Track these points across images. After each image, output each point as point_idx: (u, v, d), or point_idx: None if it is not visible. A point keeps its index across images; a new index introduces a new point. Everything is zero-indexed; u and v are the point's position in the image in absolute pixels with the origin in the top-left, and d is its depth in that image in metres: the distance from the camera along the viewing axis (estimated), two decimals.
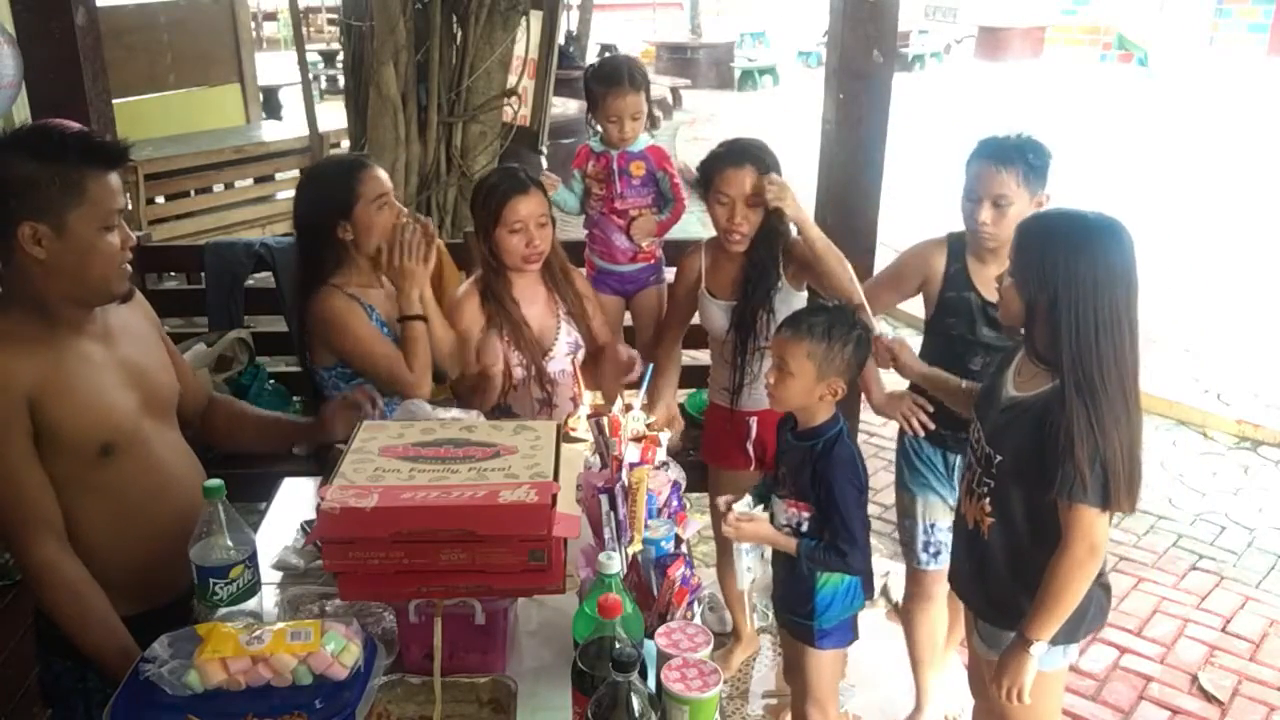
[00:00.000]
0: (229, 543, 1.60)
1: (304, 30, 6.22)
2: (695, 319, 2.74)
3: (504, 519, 1.43)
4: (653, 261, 3.01)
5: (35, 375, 1.60)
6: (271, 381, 3.15)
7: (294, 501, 2.16)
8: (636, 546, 1.69)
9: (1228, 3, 15.93)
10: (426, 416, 1.87)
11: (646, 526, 1.72)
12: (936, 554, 2.56)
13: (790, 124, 9.38)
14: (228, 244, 3.50)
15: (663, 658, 1.46)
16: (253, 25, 10.85)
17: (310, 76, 5.73)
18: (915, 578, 2.65)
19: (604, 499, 1.64)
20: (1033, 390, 1.82)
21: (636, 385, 2.16)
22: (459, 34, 4.35)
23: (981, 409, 1.96)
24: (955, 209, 2.30)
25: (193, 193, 6.12)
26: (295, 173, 6.16)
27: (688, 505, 1.96)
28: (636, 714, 1.25)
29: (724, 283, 2.59)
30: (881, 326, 2.33)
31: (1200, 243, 7.20)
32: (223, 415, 2.12)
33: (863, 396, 2.53)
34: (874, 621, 3.12)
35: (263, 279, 3.55)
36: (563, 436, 1.70)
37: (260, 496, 2.23)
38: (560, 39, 6.31)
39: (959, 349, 2.35)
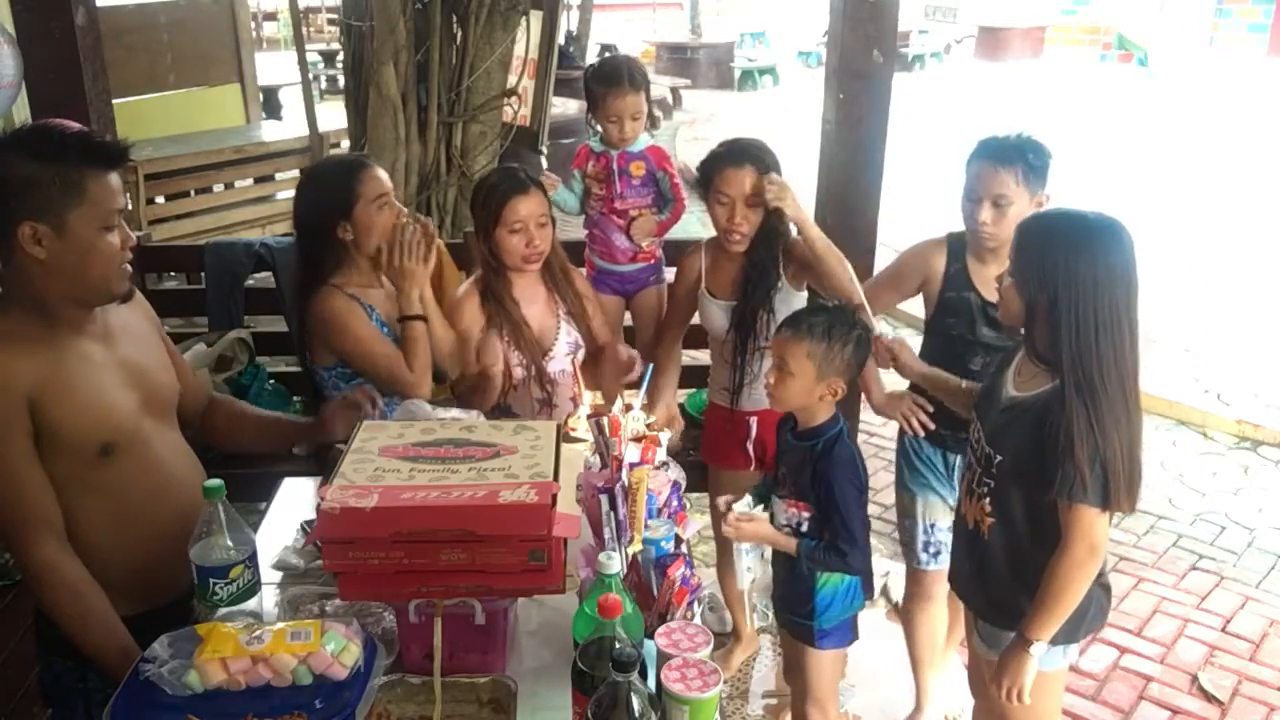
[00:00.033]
0: (229, 543, 1.60)
1: (304, 30, 6.22)
2: (695, 319, 2.75)
3: (504, 519, 1.43)
4: (652, 261, 3.01)
5: (35, 375, 1.60)
6: (271, 381, 3.15)
7: (294, 501, 2.16)
8: (636, 546, 1.69)
9: (1228, 3, 15.93)
10: (426, 416, 1.87)
11: (646, 526, 1.72)
12: (936, 554, 2.56)
13: (790, 124, 9.38)
14: (228, 244, 3.50)
15: (663, 658, 1.46)
16: (253, 25, 10.86)
17: (310, 76, 5.73)
18: (915, 578, 2.65)
19: (604, 499, 1.64)
20: (1033, 390, 1.83)
21: (636, 385, 2.16)
22: (459, 34, 4.35)
23: (981, 409, 1.96)
24: (955, 209, 2.30)
25: (193, 193, 6.12)
26: (295, 173, 6.16)
27: (688, 505, 1.96)
28: (636, 714, 1.25)
29: (724, 283, 2.59)
30: (881, 327, 2.33)
31: (1200, 243, 7.20)
32: (223, 415, 2.12)
33: (863, 396, 2.53)
34: (874, 621, 3.12)
35: (263, 279, 3.55)
36: (563, 436, 1.70)
37: (260, 496, 2.23)
38: (560, 39, 6.31)
39: (959, 349, 2.35)
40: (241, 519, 1.64)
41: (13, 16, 3.03)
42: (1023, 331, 1.86)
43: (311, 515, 1.90)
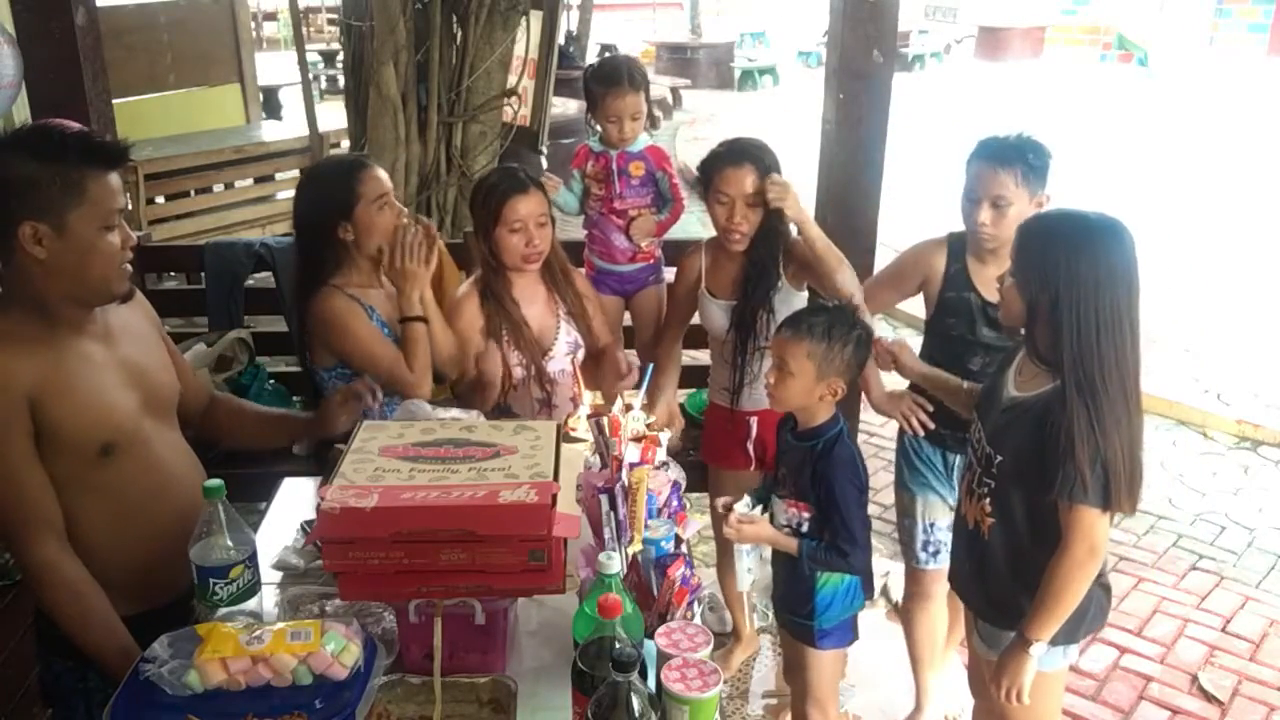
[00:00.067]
0: (229, 543, 1.60)
1: (304, 30, 6.22)
2: (695, 319, 2.75)
3: (504, 519, 1.43)
4: (652, 261, 3.01)
5: (35, 375, 1.60)
6: (271, 381, 3.15)
7: (294, 501, 2.16)
8: (636, 546, 1.69)
9: (1228, 3, 15.93)
10: (426, 416, 1.87)
11: (646, 526, 1.72)
12: (935, 553, 2.56)
13: (790, 124, 9.37)
14: (228, 244, 3.50)
15: (663, 658, 1.46)
16: (253, 25, 10.86)
17: (310, 76, 5.73)
18: (914, 577, 2.65)
19: (604, 499, 1.64)
20: (1033, 390, 1.82)
21: (636, 385, 2.16)
22: (459, 34, 4.35)
23: (982, 409, 1.96)
24: (955, 209, 2.30)
25: (193, 193, 6.12)
26: (295, 173, 6.16)
27: (688, 505, 1.96)
28: (636, 714, 1.25)
29: (724, 282, 2.59)
30: (881, 327, 2.33)
31: (1200, 243, 7.20)
32: (224, 412, 2.12)
33: (863, 396, 2.53)
34: (874, 621, 3.12)
35: (263, 279, 3.55)
36: (563, 436, 1.70)
37: (260, 496, 2.23)
38: (560, 39, 6.31)
39: (959, 349, 2.35)
40: (241, 519, 1.64)
41: (13, 16, 3.03)
42: (1023, 332, 1.86)
43: (311, 515, 1.91)
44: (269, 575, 1.81)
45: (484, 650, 1.58)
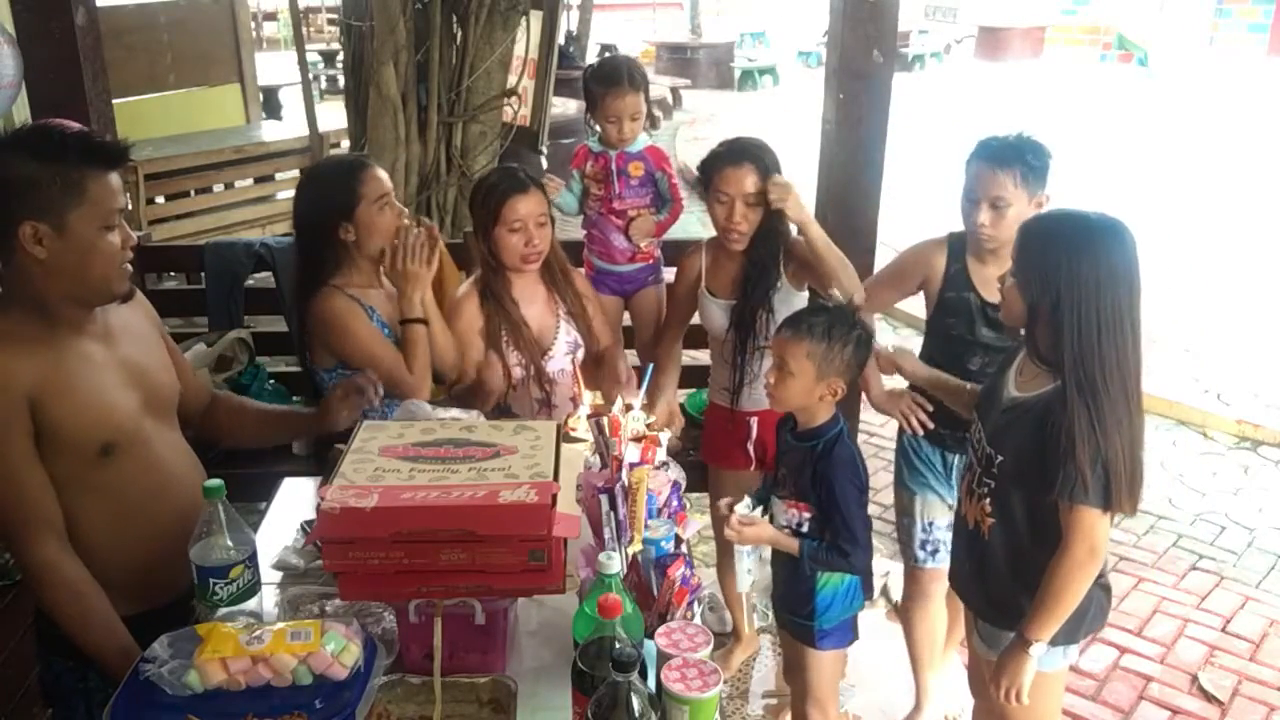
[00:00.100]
0: (229, 543, 1.60)
1: (304, 30, 6.22)
2: (695, 319, 2.74)
3: (504, 519, 1.43)
4: (651, 262, 3.01)
5: (36, 375, 1.60)
6: (271, 381, 3.16)
7: (294, 501, 2.16)
8: (636, 546, 1.69)
9: (1228, 3, 15.93)
10: (426, 416, 1.87)
11: (646, 526, 1.72)
12: (934, 552, 2.56)
13: (790, 124, 9.37)
14: (228, 244, 3.50)
15: (663, 658, 1.46)
16: (253, 25, 10.86)
17: (310, 76, 5.73)
18: (913, 576, 2.65)
19: (604, 499, 1.64)
20: (1034, 391, 1.82)
21: (637, 387, 2.16)
22: (459, 34, 4.35)
23: (983, 409, 1.96)
24: (955, 209, 2.30)
25: (193, 193, 6.12)
26: (295, 173, 6.16)
27: (688, 505, 1.96)
28: (636, 714, 1.25)
29: (724, 282, 2.59)
30: (881, 326, 2.33)
31: (1200, 243, 7.21)
32: (224, 410, 2.12)
33: (863, 396, 2.53)
34: (874, 621, 3.12)
35: (263, 279, 3.56)
36: (563, 436, 1.70)
37: (260, 496, 2.24)
38: (560, 39, 6.31)
39: (958, 349, 2.35)
40: (241, 519, 1.64)
41: (13, 16, 3.03)
42: (1023, 332, 1.86)
43: (311, 515, 1.91)
44: (269, 575, 1.81)
45: (484, 650, 1.58)
